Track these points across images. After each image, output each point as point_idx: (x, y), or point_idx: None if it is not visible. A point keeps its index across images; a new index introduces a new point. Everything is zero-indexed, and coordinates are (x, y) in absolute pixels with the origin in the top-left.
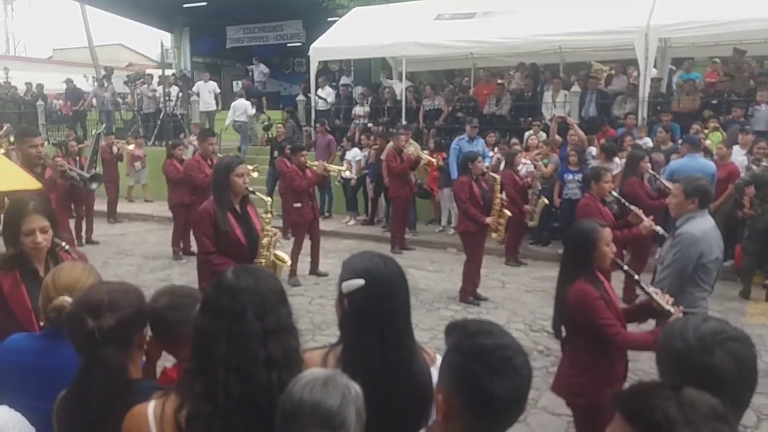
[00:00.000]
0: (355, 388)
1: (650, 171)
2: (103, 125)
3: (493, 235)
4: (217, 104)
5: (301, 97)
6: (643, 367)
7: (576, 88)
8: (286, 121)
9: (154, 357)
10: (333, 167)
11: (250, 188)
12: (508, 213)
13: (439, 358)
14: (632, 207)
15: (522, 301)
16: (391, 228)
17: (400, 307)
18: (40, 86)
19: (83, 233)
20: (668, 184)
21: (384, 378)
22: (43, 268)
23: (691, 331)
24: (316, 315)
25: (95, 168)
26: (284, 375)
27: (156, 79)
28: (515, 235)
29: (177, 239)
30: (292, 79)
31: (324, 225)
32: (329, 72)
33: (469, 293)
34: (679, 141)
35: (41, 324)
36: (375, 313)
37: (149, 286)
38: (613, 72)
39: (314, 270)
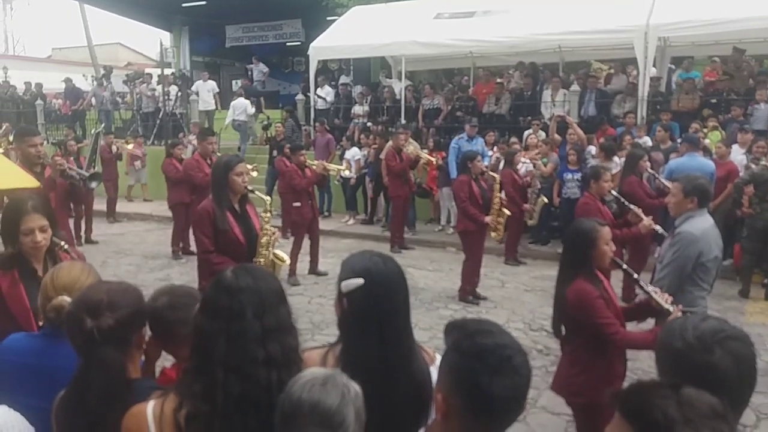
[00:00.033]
0: (355, 387)
1: (649, 170)
2: (102, 125)
3: (493, 234)
4: (216, 104)
5: (300, 97)
6: (642, 366)
7: (575, 87)
8: (285, 121)
9: (154, 357)
10: (332, 166)
11: (249, 187)
12: (507, 212)
13: (438, 358)
14: (631, 206)
15: (521, 300)
16: (391, 227)
17: (400, 307)
18: (39, 85)
19: (82, 233)
20: (667, 183)
21: (383, 377)
22: (41, 268)
23: (690, 330)
24: (315, 314)
25: (94, 167)
26: (283, 374)
27: (155, 79)
28: (514, 235)
29: (177, 239)
30: (291, 78)
31: (323, 224)
32: (328, 71)
33: (469, 292)
34: (679, 140)
35: (40, 324)
36: (374, 312)
37: (148, 285)
38: (612, 71)
39: (313, 269)
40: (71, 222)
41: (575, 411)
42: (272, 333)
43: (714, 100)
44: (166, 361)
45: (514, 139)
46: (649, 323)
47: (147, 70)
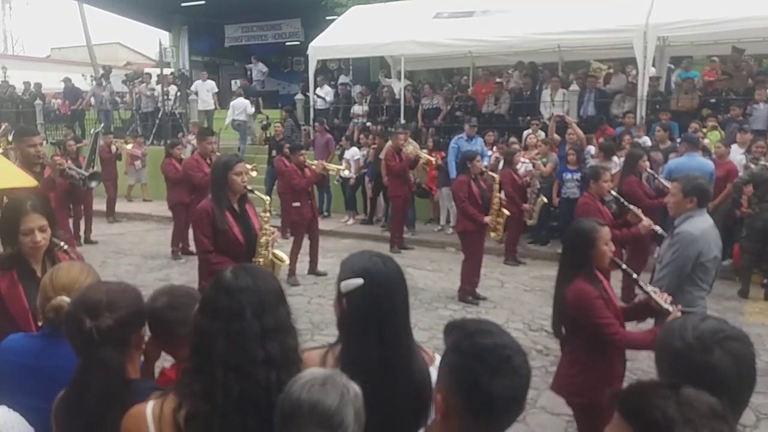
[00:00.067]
0: (354, 388)
1: (649, 170)
2: (102, 124)
3: (492, 234)
4: (214, 103)
5: (299, 96)
6: (641, 366)
7: (574, 86)
8: (284, 120)
9: (153, 357)
10: (332, 166)
11: (249, 187)
12: (506, 212)
13: (438, 358)
14: (631, 206)
15: (521, 300)
16: (390, 227)
17: (399, 307)
18: (38, 85)
19: (81, 233)
20: (667, 183)
21: (383, 377)
22: (40, 269)
23: (689, 330)
24: (314, 314)
25: (93, 167)
26: (283, 374)
27: (154, 78)
28: (514, 235)
29: (177, 239)
30: (290, 78)
31: (323, 224)
32: (328, 71)
33: (468, 293)
34: (678, 140)
35: (39, 324)
36: (374, 312)
37: (148, 285)
38: (611, 71)
39: (313, 269)
40: (70, 222)
41: (575, 411)
42: (271, 333)
43: (713, 100)
44: (165, 361)
45: (513, 139)
46: (649, 323)
47: (146, 70)
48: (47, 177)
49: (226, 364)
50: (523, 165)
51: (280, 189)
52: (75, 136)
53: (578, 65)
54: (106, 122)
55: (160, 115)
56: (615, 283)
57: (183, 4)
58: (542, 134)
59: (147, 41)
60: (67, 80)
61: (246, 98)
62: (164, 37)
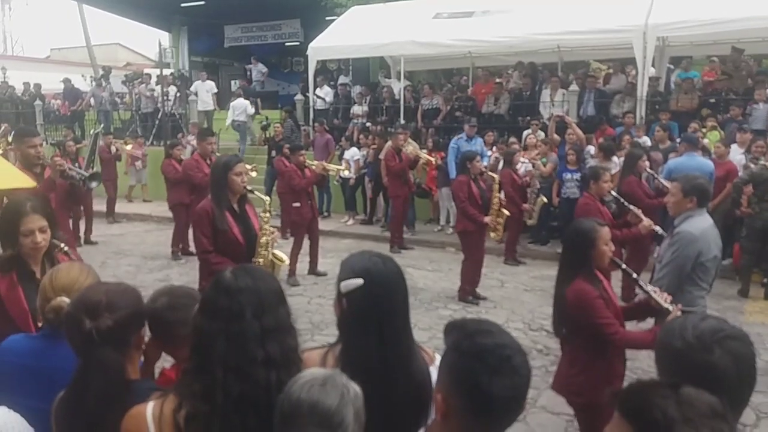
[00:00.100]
0: (354, 388)
1: (648, 170)
2: (101, 125)
3: (492, 234)
4: (214, 104)
5: (299, 97)
6: (641, 365)
7: (574, 87)
8: (284, 121)
9: (153, 358)
10: (332, 167)
11: (249, 187)
12: (506, 212)
13: (438, 358)
14: (631, 207)
15: (521, 300)
16: (390, 227)
17: (399, 307)
18: (38, 86)
19: (81, 234)
20: (666, 183)
21: (383, 377)
22: (39, 270)
23: (690, 330)
24: (314, 315)
25: (93, 168)
26: (283, 375)
27: (154, 79)
28: (514, 235)
29: (177, 239)
30: (290, 78)
31: (323, 225)
32: (327, 71)
33: (468, 292)
34: (677, 140)
35: (39, 325)
36: (374, 312)
37: (148, 286)
38: (611, 71)
39: (313, 270)
40: (70, 222)
41: (576, 411)
42: (271, 333)
43: (713, 100)
44: (165, 362)
45: (513, 139)
46: (649, 323)
47: (146, 71)
48: (47, 178)
49: (225, 364)
50: (523, 165)
51: (279, 189)
52: (75, 136)
53: (578, 65)
54: (106, 123)
55: (159, 116)
56: (615, 283)
57: (183, 5)
58: (542, 134)
59: (147, 42)
60: (66, 81)
61: (246, 99)
62: (164, 37)
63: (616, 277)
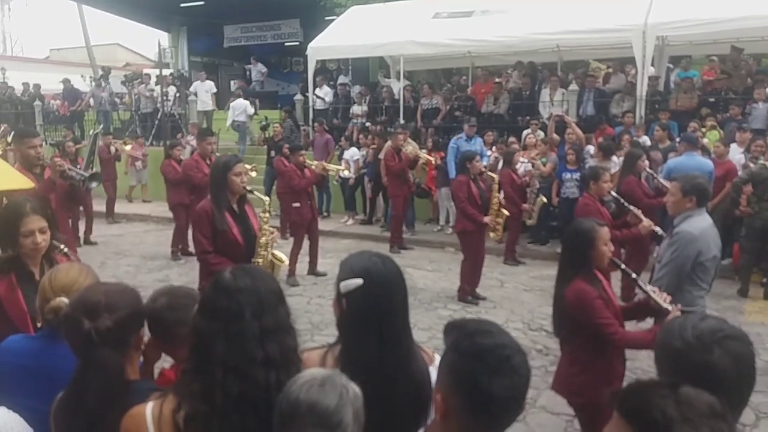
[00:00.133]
0: (354, 388)
1: (648, 169)
2: (101, 125)
3: (491, 234)
4: (214, 104)
5: (299, 97)
6: (641, 365)
7: (574, 86)
8: (283, 121)
9: (153, 358)
10: (331, 167)
11: (248, 187)
12: (506, 212)
13: (437, 358)
14: (631, 207)
15: (520, 300)
16: (390, 227)
17: (399, 307)
18: (37, 86)
19: (80, 234)
20: (666, 183)
21: (382, 378)
22: (38, 271)
23: (689, 330)
24: (314, 315)
25: (92, 168)
26: (282, 375)
27: (153, 79)
28: (513, 235)
29: (177, 240)
30: (289, 78)
31: (322, 225)
32: (327, 71)
33: (468, 292)
34: (677, 139)
35: (38, 326)
36: (373, 312)
37: (147, 286)
38: (610, 70)
39: (312, 270)
40: (69, 223)
41: (576, 410)
42: (271, 333)
43: (712, 99)
44: (165, 362)
45: (512, 139)
46: (649, 323)
47: (145, 71)
48: (47, 178)
49: (225, 364)
50: (523, 165)
51: (279, 189)
52: (74, 137)
53: (577, 65)
54: (105, 123)
55: (159, 116)
56: (615, 283)
57: (182, 5)
58: (541, 134)
59: (146, 42)
60: (66, 81)
61: (245, 99)
62: (163, 37)
63: (616, 277)
